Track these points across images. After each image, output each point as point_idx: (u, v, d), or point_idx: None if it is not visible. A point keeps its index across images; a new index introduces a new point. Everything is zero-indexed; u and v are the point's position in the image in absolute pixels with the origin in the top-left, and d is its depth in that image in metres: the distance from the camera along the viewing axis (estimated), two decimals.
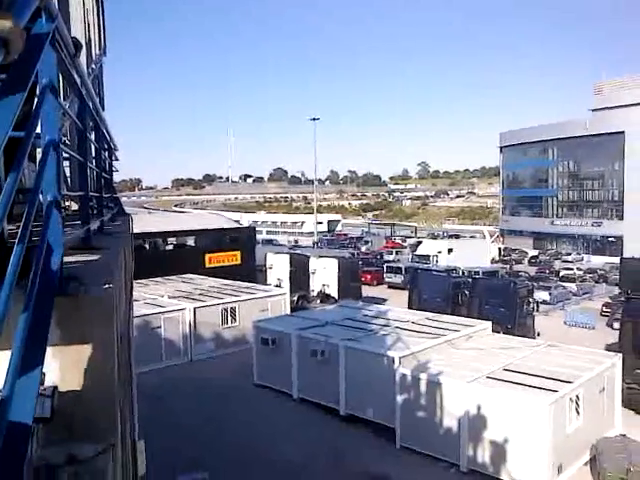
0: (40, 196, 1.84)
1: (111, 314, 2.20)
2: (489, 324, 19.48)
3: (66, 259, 2.22)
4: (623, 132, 69.27)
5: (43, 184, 1.82)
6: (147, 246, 31.50)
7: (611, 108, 71.45)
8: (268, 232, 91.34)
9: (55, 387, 1.85)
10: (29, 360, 1.39)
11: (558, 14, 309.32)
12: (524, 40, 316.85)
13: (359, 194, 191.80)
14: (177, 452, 12.85)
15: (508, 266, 55.84)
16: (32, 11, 1.42)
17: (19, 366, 1.32)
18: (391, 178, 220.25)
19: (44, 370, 1.54)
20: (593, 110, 76.41)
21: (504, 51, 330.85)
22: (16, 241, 1.41)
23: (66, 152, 3.17)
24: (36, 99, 1.83)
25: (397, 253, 59.87)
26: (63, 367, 2.03)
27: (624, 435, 14.11)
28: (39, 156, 3.08)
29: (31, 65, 1.42)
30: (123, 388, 3.14)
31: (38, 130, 1.87)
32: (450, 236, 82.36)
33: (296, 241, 79.58)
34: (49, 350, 1.71)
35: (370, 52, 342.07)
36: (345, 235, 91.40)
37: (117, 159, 9.08)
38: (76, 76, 2.80)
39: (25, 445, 1.25)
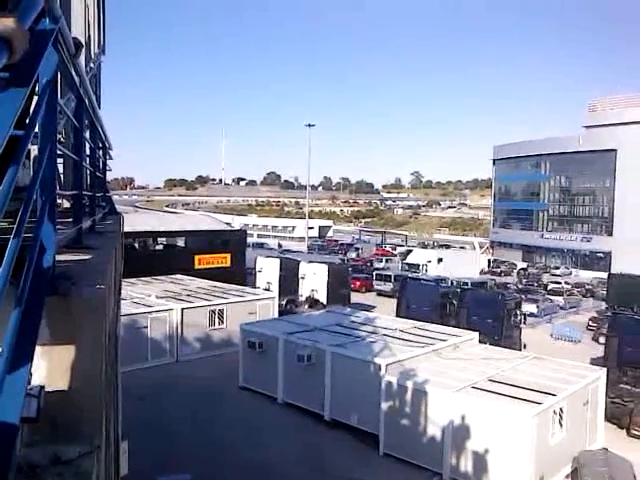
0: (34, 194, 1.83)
1: (101, 315, 2.19)
2: (476, 335, 19.56)
3: (57, 258, 2.21)
4: (615, 150, 69.94)
5: (39, 182, 1.82)
6: (137, 245, 31.35)
7: (604, 126, 72.05)
8: (259, 236, 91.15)
9: (42, 387, 1.84)
10: (18, 359, 1.39)
11: (557, 28, 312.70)
12: (520, 54, 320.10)
13: (351, 201, 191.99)
14: (158, 453, 12.77)
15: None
16: (37, 12, 1.43)
17: (8, 365, 1.32)
18: (384, 186, 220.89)
19: (31, 370, 1.53)
20: (586, 127, 77.03)
21: (500, 64, 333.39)
22: (10, 238, 1.41)
23: (61, 151, 3.16)
24: (35, 98, 1.83)
25: (387, 261, 59.85)
26: (50, 367, 2.02)
27: (606, 449, 14.19)
28: (33, 153, 3.08)
29: (33, 65, 1.42)
30: (109, 388, 3.13)
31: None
32: (440, 246, 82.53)
33: (280, 245, 79.16)
34: (37, 349, 1.70)
35: (367, 61, 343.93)
36: (336, 241, 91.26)
37: (111, 158, 9.06)
38: (75, 75, 2.80)
39: (12, 445, 1.25)
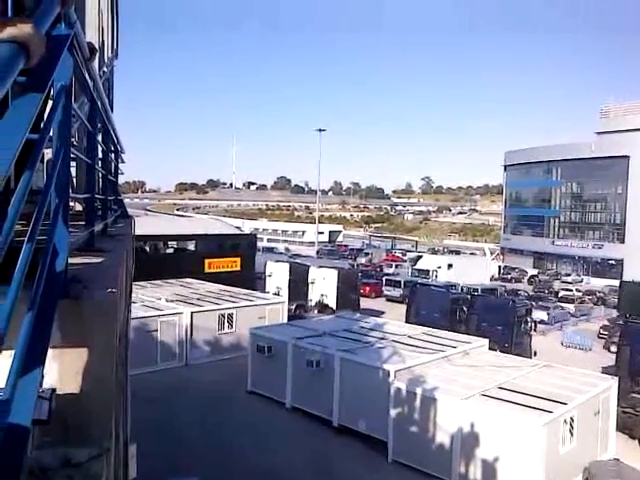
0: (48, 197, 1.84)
1: (113, 319, 2.20)
2: (486, 341, 19.43)
3: (70, 261, 2.22)
4: (628, 156, 69.39)
5: (52, 186, 1.83)
6: (147, 248, 31.49)
7: (617, 132, 71.58)
8: (269, 240, 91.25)
9: (53, 389, 1.85)
10: (30, 362, 1.39)
11: (570, 35, 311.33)
12: (533, 59, 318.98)
13: (361, 206, 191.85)
14: (166, 456, 12.78)
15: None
16: (53, 18, 1.44)
17: (20, 367, 1.32)
18: (394, 191, 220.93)
19: (43, 372, 1.54)
20: (599, 133, 76.55)
21: (512, 70, 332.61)
22: (25, 242, 1.42)
23: (75, 154, 3.18)
24: (50, 102, 1.85)
25: (397, 266, 59.73)
26: (62, 370, 2.03)
27: (617, 459, 14.05)
28: (47, 156, 3.10)
29: (49, 70, 1.43)
30: (119, 391, 3.14)
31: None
32: (450, 252, 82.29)
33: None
34: (49, 352, 1.71)
35: (378, 66, 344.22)
36: (346, 246, 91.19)
37: (123, 161, 9.11)
38: (89, 80, 2.82)
39: (24, 447, 1.25)
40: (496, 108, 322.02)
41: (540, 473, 12.10)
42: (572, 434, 13.26)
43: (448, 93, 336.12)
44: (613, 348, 24.37)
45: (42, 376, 1.52)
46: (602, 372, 19.79)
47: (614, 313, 39.55)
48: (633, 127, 69.66)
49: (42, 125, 1.70)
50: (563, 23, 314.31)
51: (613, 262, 71.38)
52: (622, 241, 71.89)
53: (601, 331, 33.47)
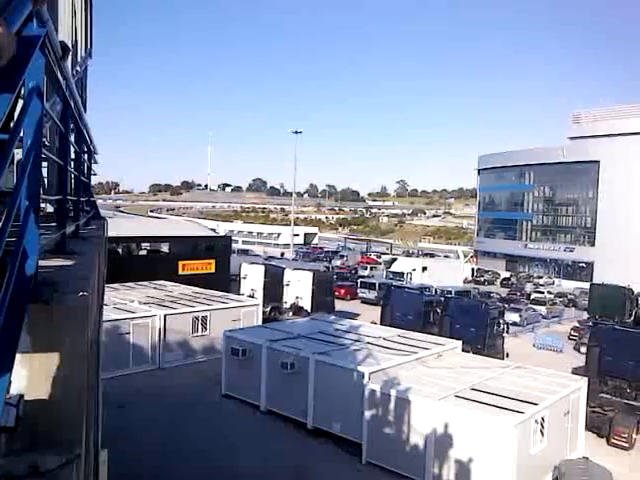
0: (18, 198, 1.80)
1: (84, 323, 2.16)
2: (459, 343, 19.62)
3: (40, 263, 2.18)
4: (598, 161, 70.88)
5: (23, 187, 1.79)
6: (120, 250, 31.07)
7: (588, 137, 73.03)
8: (244, 242, 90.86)
9: (21, 396, 1.80)
10: None
11: (544, 40, 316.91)
12: (507, 65, 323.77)
13: (337, 209, 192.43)
14: (139, 462, 12.60)
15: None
16: (24, 16, 1.41)
17: None
18: (369, 194, 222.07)
19: (11, 378, 1.50)
20: (571, 138, 77.99)
21: (486, 75, 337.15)
22: None
23: (46, 155, 3.12)
24: (21, 101, 1.81)
25: (372, 269, 60.05)
26: (31, 375, 1.98)
27: (586, 458, 14.30)
28: (17, 157, 3.04)
29: (20, 69, 1.41)
30: (90, 396, 3.08)
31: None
32: (425, 255, 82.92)
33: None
34: (17, 357, 1.67)
35: (354, 69, 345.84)
36: (321, 248, 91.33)
37: (96, 162, 8.98)
38: (61, 79, 2.77)
39: None
40: (470, 112, 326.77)
41: (511, 473, 12.25)
42: (543, 434, 13.47)
43: (423, 97, 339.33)
44: (583, 349, 24.82)
45: (9, 382, 1.49)
46: (572, 373, 20.13)
47: (585, 315, 40.30)
48: (603, 133, 71.13)
49: (12, 125, 1.66)
50: (536, 28, 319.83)
51: (584, 265, 72.83)
52: (592, 244, 73.36)
53: (572, 333, 34.10)
